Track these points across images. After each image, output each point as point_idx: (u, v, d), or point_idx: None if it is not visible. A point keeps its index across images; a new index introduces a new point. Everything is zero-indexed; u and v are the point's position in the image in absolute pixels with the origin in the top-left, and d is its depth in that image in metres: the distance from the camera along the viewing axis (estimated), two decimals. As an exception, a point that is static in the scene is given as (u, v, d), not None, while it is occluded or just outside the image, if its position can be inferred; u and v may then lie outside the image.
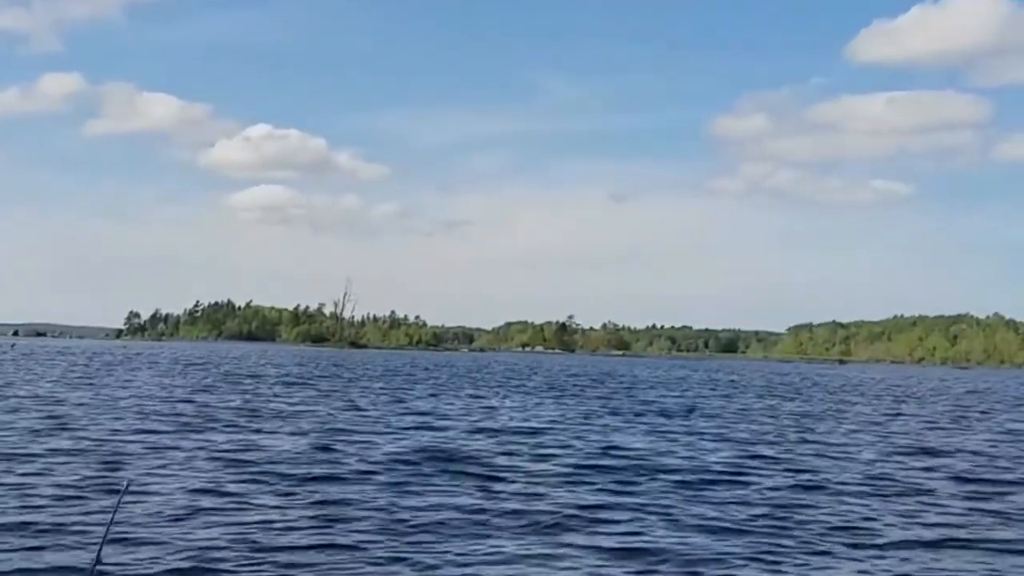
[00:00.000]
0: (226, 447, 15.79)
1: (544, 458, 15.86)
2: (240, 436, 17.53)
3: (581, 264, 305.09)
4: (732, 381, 60.39)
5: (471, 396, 33.43)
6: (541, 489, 12.63)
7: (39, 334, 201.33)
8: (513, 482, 13.21)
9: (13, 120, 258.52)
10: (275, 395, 30.16)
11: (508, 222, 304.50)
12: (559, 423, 22.97)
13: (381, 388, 36.62)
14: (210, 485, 12.08)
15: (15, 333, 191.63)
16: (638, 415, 26.55)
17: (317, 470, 13.68)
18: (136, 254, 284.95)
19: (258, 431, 18.66)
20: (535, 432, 20.41)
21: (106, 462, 13.59)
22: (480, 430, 20.33)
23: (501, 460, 15.43)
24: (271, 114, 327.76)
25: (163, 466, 13.49)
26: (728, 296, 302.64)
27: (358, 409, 25.39)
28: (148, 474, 12.70)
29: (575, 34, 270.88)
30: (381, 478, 13.19)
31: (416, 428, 20.41)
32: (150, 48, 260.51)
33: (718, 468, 15.26)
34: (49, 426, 17.97)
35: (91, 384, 32.57)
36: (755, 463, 16.07)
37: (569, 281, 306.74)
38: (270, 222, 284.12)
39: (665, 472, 14.61)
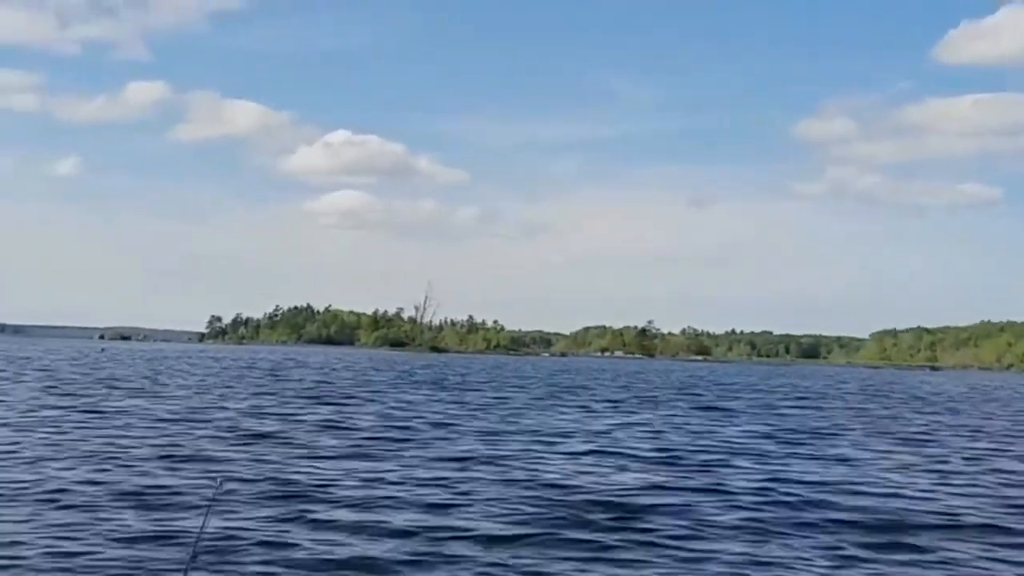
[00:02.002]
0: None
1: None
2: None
3: (660, 268, 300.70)
4: (910, 396, 56.24)
5: (653, 412, 30.38)
6: None
7: (124, 338, 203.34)
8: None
9: (99, 127, 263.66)
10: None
11: (586, 226, 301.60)
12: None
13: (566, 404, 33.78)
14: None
15: (101, 337, 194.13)
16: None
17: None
18: (218, 259, 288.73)
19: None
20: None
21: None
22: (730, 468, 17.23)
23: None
24: (351, 120, 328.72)
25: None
26: (809, 301, 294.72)
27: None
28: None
29: (652, 37, 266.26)
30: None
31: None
32: (234, 56, 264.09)
33: None
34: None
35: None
36: None
37: (647, 285, 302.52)
38: (349, 227, 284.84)
39: None
